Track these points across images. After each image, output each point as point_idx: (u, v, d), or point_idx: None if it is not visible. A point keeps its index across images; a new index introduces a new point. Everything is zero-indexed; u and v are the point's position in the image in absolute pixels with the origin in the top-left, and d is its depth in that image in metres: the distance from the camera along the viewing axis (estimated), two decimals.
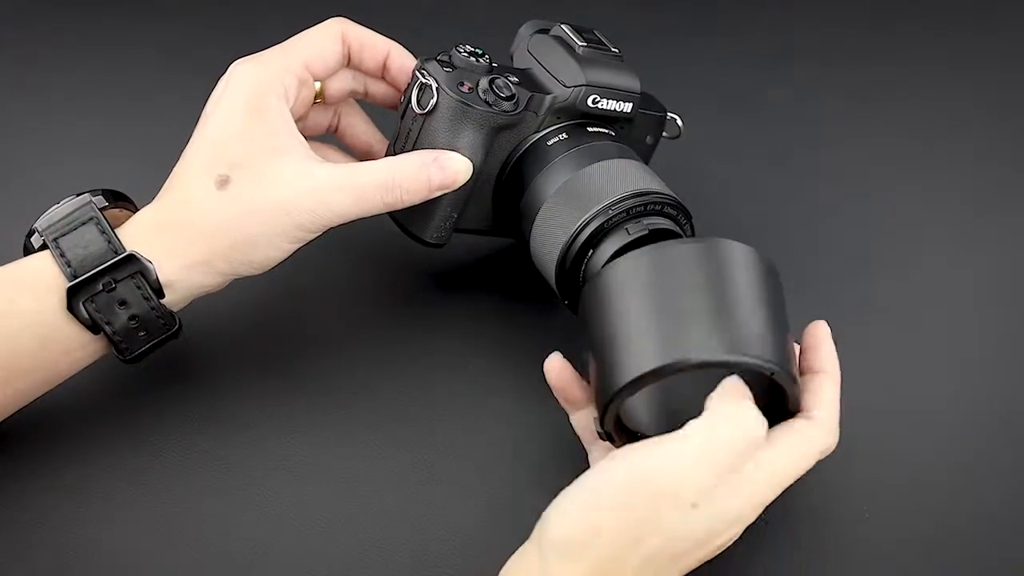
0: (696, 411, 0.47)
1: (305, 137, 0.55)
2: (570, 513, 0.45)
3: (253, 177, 0.52)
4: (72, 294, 0.50)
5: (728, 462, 0.45)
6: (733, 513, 0.45)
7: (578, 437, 0.53)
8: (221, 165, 0.52)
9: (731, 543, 0.47)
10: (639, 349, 0.45)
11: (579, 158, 0.56)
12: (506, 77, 0.56)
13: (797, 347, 0.50)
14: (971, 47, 0.84)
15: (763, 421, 0.46)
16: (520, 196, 0.57)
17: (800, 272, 0.65)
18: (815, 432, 0.47)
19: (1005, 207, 0.71)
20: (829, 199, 0.72)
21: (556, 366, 0.52)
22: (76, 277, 0.50)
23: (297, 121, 0.56)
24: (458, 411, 0.58)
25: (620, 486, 0.44)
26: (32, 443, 0.55)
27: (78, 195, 0.53)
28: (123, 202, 0.55)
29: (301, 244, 0.54)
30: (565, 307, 0.57)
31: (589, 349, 0.48)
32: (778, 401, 0.48)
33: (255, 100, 0.53)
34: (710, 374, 0.47)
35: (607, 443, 0.50)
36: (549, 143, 0.57)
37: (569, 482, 0.46)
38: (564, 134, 0.57)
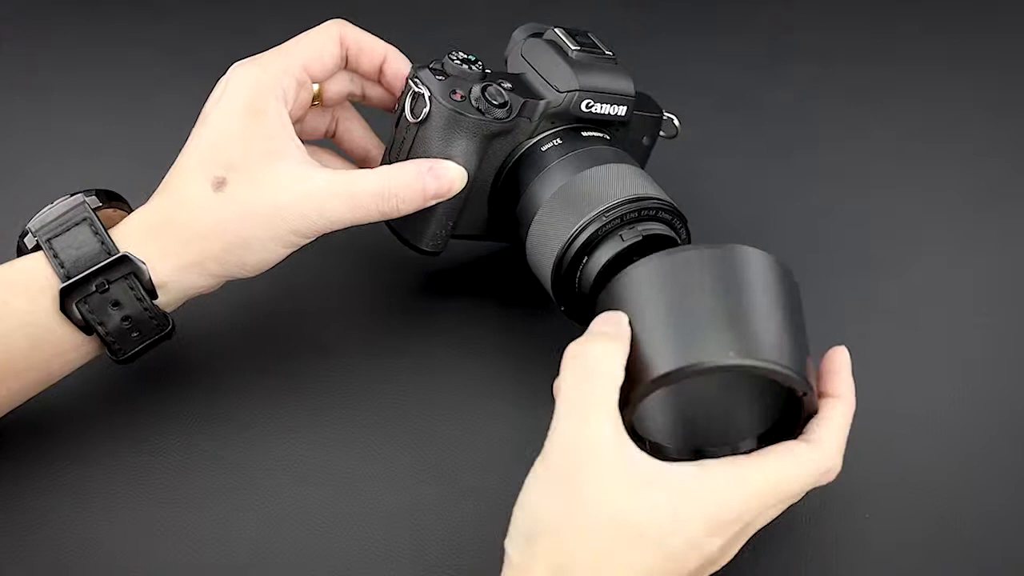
0: (710, 420, 0.47)
1: (303, 141, 0.55)
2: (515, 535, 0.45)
3: (249, 180, 0.52)
4: (65, 295, 0.50)
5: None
6: (715, 549, 0.45)
7: None
8: (217, 167, 0.52)
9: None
10: (654, 354, 0.45)
11: (574, 163, 0.56)
12: (499, 84, 0.56)
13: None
14: (971, 47, 0.84)
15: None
16: (516, 202, 0.57)
17: (800, 272, 0.65)
18: (813, 455, 0.46)
19: (1005, 207, 0.71)
20: (829, 199, 0.71)
21: None
22: (69, 278, 0.50)
23: (295, 123, 0.56)
24: (458, 411, 0.58)
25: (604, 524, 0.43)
26: (32, 443, 0.55)
27: (71, 195, 0.53)
28: (117, 202, 0.55)
29: (295, 248, 0.54)
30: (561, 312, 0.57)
31: None
32: (794, 412, 0.48)
33: (254, 102, 0.53)
34: (725, 385, 0.47)
35: None
36: (543, 148, 0.57)
37: None
38: (559, 139, 0.57)
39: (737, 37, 0.84)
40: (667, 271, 0.46)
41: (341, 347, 0.61)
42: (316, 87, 0.59)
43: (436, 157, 0.55)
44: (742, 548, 0.47)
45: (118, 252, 0.51)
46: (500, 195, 0.59)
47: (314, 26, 0.58)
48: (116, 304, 0.51)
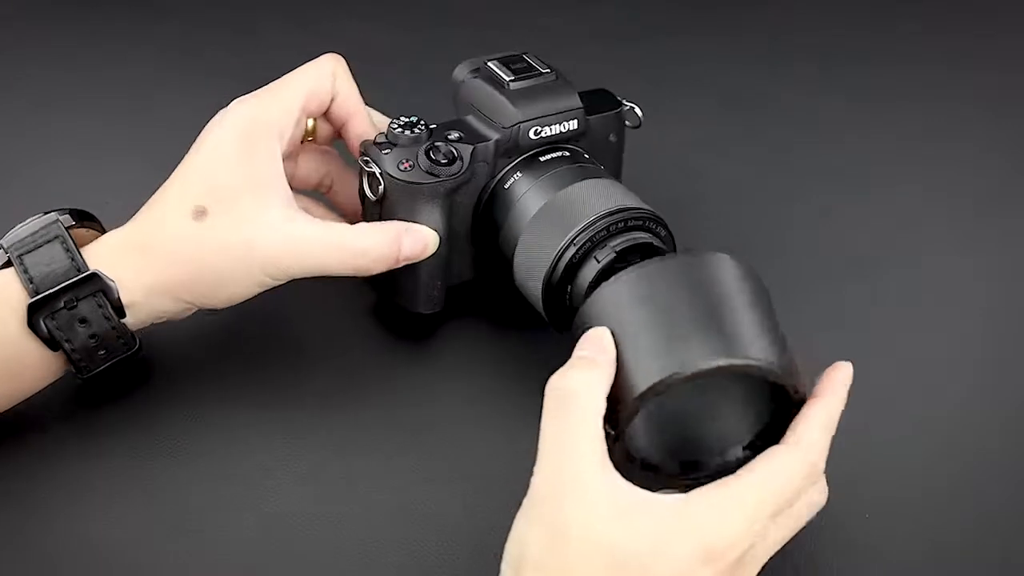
0: (699, 431, 0.47)
1: (294, 190, 0.55)
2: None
3: (230, 214, 0.52)
4: (33, 311, 0.51)
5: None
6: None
7: None
8: (201, 196, 0.53)
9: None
10: (635, 370, 0.45)
11: (537, 194, 0.56)
12: (446, 138, 0.57)
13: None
14: (971, 47, 0.84)
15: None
16: (496, 244, 0.58)
17: (800, 272, 0.65)
18: (795, 455, 0.45)
19: (1005, 207, 0.71)
20: (829, 199, 0.71)
21: None
22: (38, 293, 0.51)
23: (286, 160, 0.56)
24: (458, 412, 0.58)
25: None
26: (31, 443, 0.55)
27: (45, 213, 0.53)
28: (89, 222, 0.55)
29: (265, 289, 0.54)
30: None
31: None
32: (782, 414, 0.47)
33: (248, 139, 0.54)
34: (710, 393, 0.46)
35: None
36: (506, 186, 0.58)
37: None
38: (518, 173, 0.58)
39: (737, 37, 0.84)
40: (634, 287, 0.46)
41: (341, 349, 0.61)
42: (311, 123, 0.59)
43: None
44: None
45: (88, 270, 0.51)
46: (480, 239, 0.59)
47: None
48: (83, 321, 0.51)
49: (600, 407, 0.44)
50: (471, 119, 0.59)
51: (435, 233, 0.56)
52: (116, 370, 0.55)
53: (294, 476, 0.55)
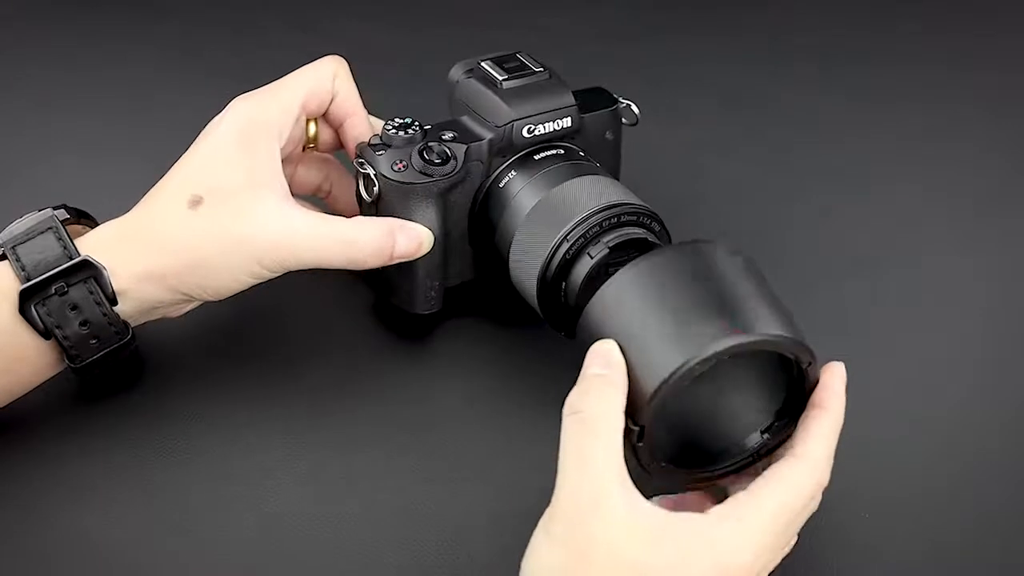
0: (715, 425, 0.47)
1: (295, 195, 0.55)
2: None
3: (226, 204, 0.53)
4: (25, 298, 0.51)
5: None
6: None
7: None
8: (198, 187, 0.53)
9: None
10: (649, 365, 0.45)
11: (531, 192, 0.56)
12: (439, 138, 0.57)
13: None
14: (971, 47, 0.84)
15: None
16: (492, 243, 0.58)
17: (800, 272, 0.66)
18: (804, 471, 0.46)
19: (1005, 207, 0.71)
20: (829, 199, 0.71)
21: None
22: (30, 280, 0.51)
23: (285, 162, 0.56)
24: (458, 413, 0.58)
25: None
26: (31, 443, 0.55)
27: (41, 210, 0.53)
28: (86, 219, 0.56)
29: (259, 281, 0.54)
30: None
31: None
32: (796, 393, 0.47)
33: (247, 136, 0.54)
34: (722, 388, 0.46)
35: None
36: (501, 185, 0.58)
37: None
38: (513, 171, 0.58)
39: (737, 37, 0.84)
40: (635, 283, 0.46)
41: (342, 348, 0.61)
42: (313, 129, 0.59)
43: None
44: None
45: (79, 256, 0.51)
46: (477, 238, 0.59)
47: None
48: (75, 308, 0.51)
49: (619, 426, 0.45)
50: (465, 119, 0.59)
51: (429, 232, 0.56)
52: (116, 370, 0.55)
53: (294, 476, 0.55)
